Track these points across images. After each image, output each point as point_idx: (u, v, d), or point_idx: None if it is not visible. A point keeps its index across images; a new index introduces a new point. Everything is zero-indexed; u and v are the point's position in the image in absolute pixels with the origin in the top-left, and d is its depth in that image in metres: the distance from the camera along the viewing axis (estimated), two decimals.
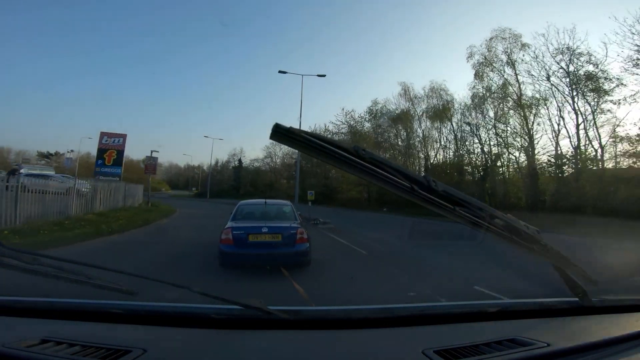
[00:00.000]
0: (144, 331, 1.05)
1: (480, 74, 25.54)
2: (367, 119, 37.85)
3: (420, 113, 32.36)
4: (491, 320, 1.19)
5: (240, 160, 54.75)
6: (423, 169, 32.12)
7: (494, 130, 25.73)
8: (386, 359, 0.96)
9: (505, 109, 24.79)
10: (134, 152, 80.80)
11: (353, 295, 4.36)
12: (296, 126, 0.77)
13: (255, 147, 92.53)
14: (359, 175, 0.83)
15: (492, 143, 26.32)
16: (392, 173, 0.83)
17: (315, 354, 0.99)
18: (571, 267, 1.16)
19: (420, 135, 32.93)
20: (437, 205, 0.90)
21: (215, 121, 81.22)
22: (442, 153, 31.64)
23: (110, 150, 20.70)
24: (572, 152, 21.79)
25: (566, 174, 22.14)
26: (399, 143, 35.28)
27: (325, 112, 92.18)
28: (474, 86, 26.37)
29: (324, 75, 24.10)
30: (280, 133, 0.74)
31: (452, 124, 29.79)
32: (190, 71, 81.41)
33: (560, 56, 21.74)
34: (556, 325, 1.18)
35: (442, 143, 31.22)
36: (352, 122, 39.04)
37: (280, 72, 20.25)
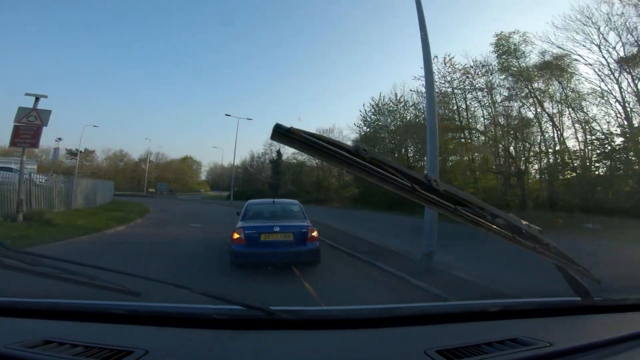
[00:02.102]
0: (146, 332, 1.04)
1: None
2: (486, 69, 21.16)
3: None
4: (493, 319, 1.17)
5: (279, 152, 40.14)
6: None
7: None
8: (388, 359, 0.95)
9: None
10: (171, 151, 75.36)
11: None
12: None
13: None
14: (360, 175, 0.82)
15: None
16: (393, 173, 0.82)
17: (317, 354, 0.97)
18: (574, 266, 1.15)
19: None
20: (438, 205, 0.89)
21: (250, 105, 71.38)
22: None
23: None
24: None
25: None
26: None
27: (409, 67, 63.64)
28: None
29: None
30: (280, 133, 0.74)
31: None
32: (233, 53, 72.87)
33: None
34: (559, 325, 1.15)
35: None
36: (452, 75, 23.34)
37: None
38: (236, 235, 5.37)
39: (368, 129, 32.10)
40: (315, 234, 5.56)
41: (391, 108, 30.29)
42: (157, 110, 77.56)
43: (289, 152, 40.01)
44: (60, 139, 30.88)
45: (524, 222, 1.03)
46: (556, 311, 1.21)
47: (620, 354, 0.93)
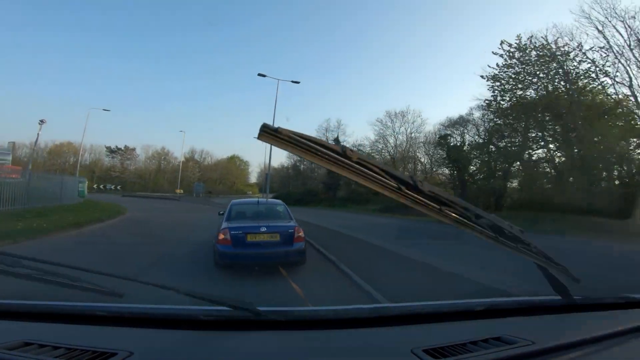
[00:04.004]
0: (131, 333, 1.02)
1: None
2: None
3: None
4: (478, 318, 1.19)
5: (337, 140, 30.40)
6: None
7: None
8: (376, 358, 0.95)
9: None
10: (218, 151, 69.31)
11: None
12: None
13: (361, 119, 62.53)
14: (347, 175, 0.83)
15: None
16: (379, 173, 0.83)
17: (305, 354, 0.97)
18: (554, 266, 1.17)
19: None
20: (423, 205, 0.90)
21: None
22: None
23: None
24: None
25: None
26: None
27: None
28: None
29: None
30: (268, 133, 0.74)
31: None
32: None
33: None
34: (540, 323, 1.18)
35: None
36: None
37: None
38: (222, 236, 5.33)
39: (503, 91, 19.30)
40: (301, 234, 5.57)
41: (548, 54, 17.19)
42: (203, 108, 74.36)
43: (349, 140, 28.87)
44: (43, 121, 22.92)
45: (507, 223, 1.05)
46: (538, 310, 1.25)
47: (599, 352, 0.97)
